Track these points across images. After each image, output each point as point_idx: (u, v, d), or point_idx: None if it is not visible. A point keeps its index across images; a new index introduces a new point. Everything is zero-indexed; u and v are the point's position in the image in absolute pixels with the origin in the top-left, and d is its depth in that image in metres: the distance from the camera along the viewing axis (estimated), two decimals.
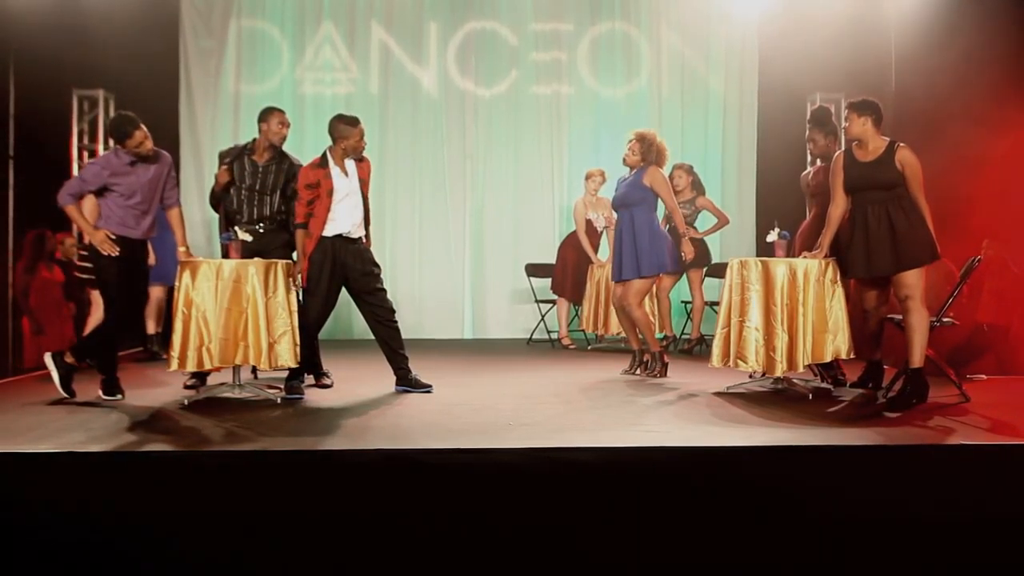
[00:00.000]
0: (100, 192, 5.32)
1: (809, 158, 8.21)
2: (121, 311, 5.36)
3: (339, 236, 5.57)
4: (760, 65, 9.50)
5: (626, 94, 9.59)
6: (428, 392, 5.61)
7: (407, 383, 5.65)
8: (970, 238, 6.87)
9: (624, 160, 6.37)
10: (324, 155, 5.61)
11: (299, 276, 5.52)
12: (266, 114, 5.78)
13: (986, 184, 6.95)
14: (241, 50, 9.32)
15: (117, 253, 5.25)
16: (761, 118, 9.53)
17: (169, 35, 9.13)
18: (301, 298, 5.54)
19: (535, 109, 9.54)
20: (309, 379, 5.79)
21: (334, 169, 5.57)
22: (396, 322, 5.72)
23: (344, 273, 5.61)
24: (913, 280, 4.99)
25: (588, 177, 8.30)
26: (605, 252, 8.13)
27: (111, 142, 5.43)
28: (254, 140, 5.82)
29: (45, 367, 5.36)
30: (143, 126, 5.28)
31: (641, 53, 9.59)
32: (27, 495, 3.75)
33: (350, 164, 5.63)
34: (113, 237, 5.26)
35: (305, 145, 8.38)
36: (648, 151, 6.29)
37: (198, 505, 3.73)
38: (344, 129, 5.57)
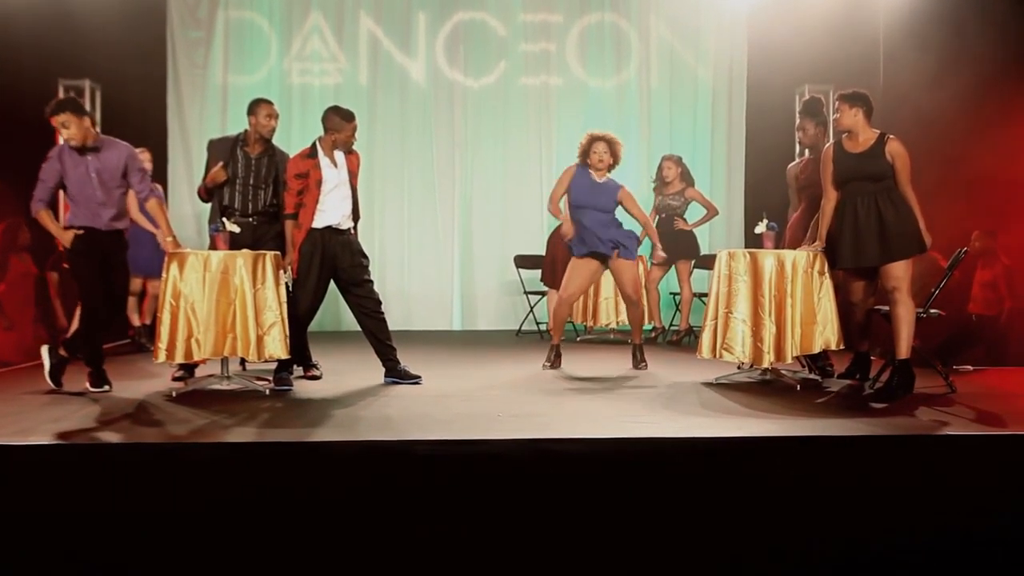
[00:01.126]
0: (65, 188, 5.31)
1: (798, 149, 8.24)
2: (97, 303, 5.33)
3: (328, 228, 5.55)
4: (749, 56, 9.51)
5: (615, 85, 9.60)
6: (417, 383, 5.60)
7: (396, 374, 5.65)
8: (958, 229, 6.89)
9: (594, 162, 6.17)
10: (313, 145, 5.59)
11: (289, 267, 5.51)
12: (254, 106, 5.76)
13: (974, 175, 6.97)
14: (229, 41, 9.27)
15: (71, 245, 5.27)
16: (750, 110, 9.55)
17: (156, 25, 9.07)
18: (291, 289, 5.53)
19: (524, 100, 9.53)
20: (298, 371, 5.78)
21: (323, 160, 5.55)
22: (383, 314, 5.71)
23: (333, 264, 5.59)
24: (900, 272, 5.02)
25: None
26: None
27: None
28: (245, 132, 5.79)
29: (15, 362, 5.33)
30: (72, 114, 5.17)
31: (630, 44, 9.58)
32: (5, 488, 3.73)
33: (339, 156, 5.61)
34: (81, 232, 5.27)
35: (292, 136, 8.38)
36: (617, 159, 6.26)
37: (185, 497, 3.71)
38: (338, 122, 5.55)
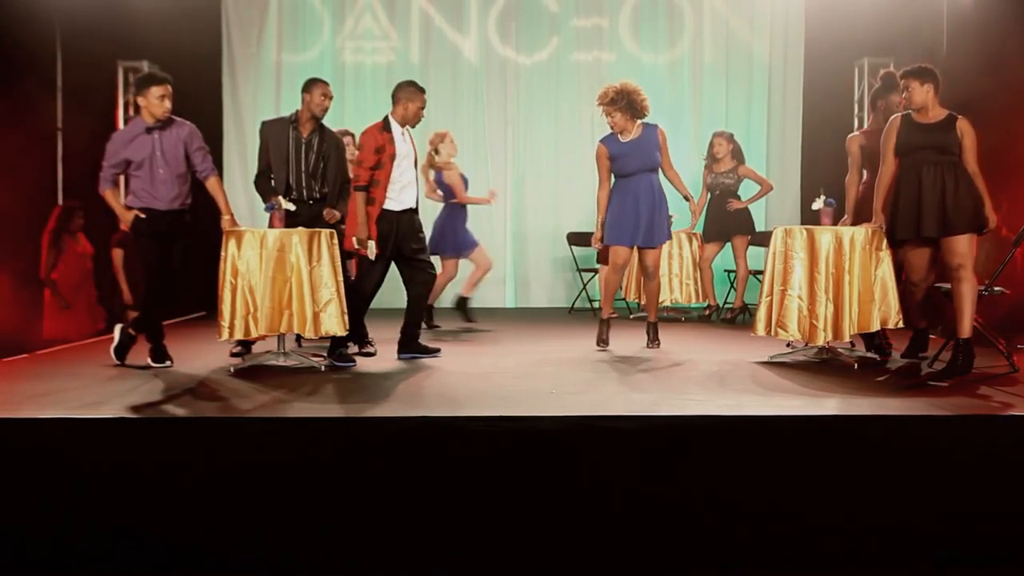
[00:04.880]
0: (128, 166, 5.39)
1: (856, 123, 8.07)
2: (158, 281, 5.43)
3: (406, 210, 5.62)
4: (806, 29, 9.31)
5: (668, 60, 9.48)
6: (436, 356, 5.73)
7: (414, 349, 5.75)
8: (1019, 209, 6.70)
9: (618, 124, 5.98)
10: (386, 120, 5.63)
11: (371, 243, 5.52)
12: (310, 84, 5.78)
13: None
14: (282, 19, 9.33)
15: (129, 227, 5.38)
16: (807, 84, 9.36)
17: (211, 5, 9.16)
18: (346, 268, 5.60)
19: (576, 76, 9.46)
20: (353, 347, 5.84)
21: (397, 135, 5.60)
22: (430, 287, 5.92)
23: (399, 245, 5.66)
24: (965, 248, 4.94)
25: None
26: None
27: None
28: (296, 112, 5.83)
29: (72, 339, 5.44)
30: (163, 88, 5.28)
31: (684, 18, 9.45)
32: (70, 460, 3.82)
33: (405, 133, 5.67)
34: (143, 216, 5.35)
35: (346, 115, 8.41)
36: (631, 105, 5.94)
37: (243, 471, 3.78)
38: (412, 92, 5.62)
